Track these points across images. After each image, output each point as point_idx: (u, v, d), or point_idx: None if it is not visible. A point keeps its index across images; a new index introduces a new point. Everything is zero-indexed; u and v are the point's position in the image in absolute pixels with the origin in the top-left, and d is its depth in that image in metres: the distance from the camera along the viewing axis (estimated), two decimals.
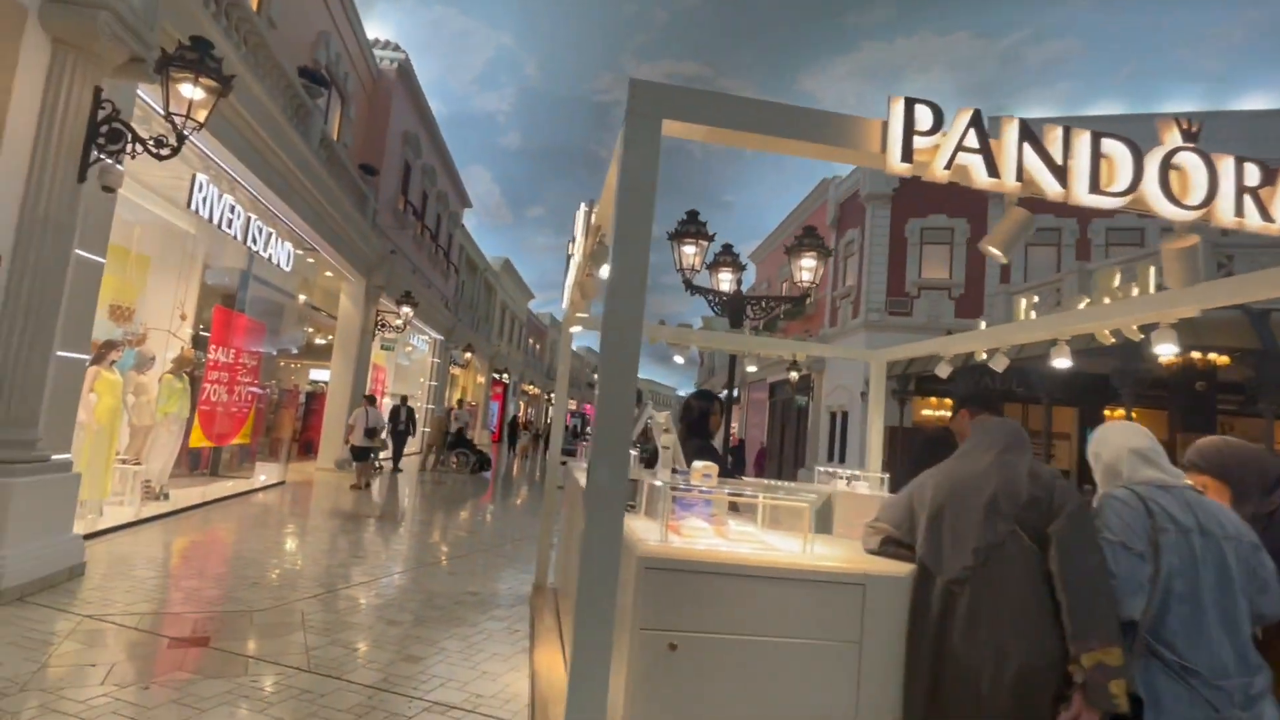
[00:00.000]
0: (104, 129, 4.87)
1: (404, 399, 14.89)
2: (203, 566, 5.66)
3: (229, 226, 8.07)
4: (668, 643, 2.00)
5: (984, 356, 4.89)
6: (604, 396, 1.82)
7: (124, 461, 7.78)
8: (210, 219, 7.62)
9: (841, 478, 4.84)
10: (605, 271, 3.36)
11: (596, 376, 1.91)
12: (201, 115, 5.00)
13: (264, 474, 11.02)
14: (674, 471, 2.82)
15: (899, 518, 2.30)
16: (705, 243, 7.43)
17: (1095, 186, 2.14)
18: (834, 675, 2.13)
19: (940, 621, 2.05)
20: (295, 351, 17.14)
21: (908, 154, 2.09)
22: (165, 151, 4.95)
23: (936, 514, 2.17)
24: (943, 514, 2.16)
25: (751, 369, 6.69)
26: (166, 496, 8.12)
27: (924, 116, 2.12)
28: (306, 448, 15.23)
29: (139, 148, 4.94)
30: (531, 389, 42.75)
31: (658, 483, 2.45)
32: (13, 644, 3.62)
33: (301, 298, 14.16)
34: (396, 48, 15.51)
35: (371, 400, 12.68)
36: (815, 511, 2.45)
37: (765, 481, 4.17)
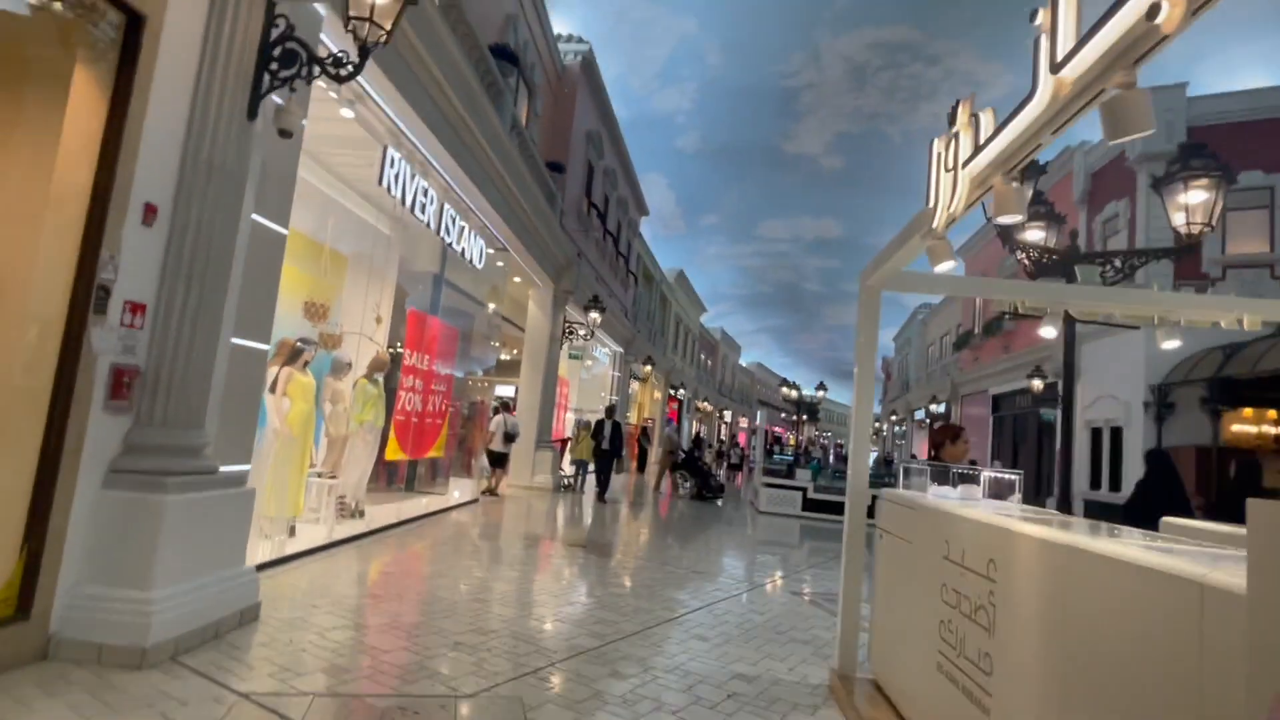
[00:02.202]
0: (276, 51, 3.84)
1: (609, 410, 13.70)
2: (395, 613, 4.43)
3: (422, 212, 7.18)
4: None
5: None
6: None
7: (319, 475, 7.06)
8: (403, 200, 6.72)
9: None
10: None
11: None
12: (387, 23, 3.82)
13: (458, 490, 10.22)
14: None
15: None
16: (1030, 184, 5.27)
17: None
18: None
19: None
20: (480, 373, 16.88)
21: None
22: (345, 71, 3.81)
23: None
24: None
25: (1171, 345, 4.35)
26: (362, 514, 7.30)
27: None
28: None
29: (316, 70, 3.85)
30: (705, 405, 41.11)
31: None
32: None
33: (491, 306, 13.59)
34: (580, 40, 14.71)
35: (507, 407, 12.11)
36: None
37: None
